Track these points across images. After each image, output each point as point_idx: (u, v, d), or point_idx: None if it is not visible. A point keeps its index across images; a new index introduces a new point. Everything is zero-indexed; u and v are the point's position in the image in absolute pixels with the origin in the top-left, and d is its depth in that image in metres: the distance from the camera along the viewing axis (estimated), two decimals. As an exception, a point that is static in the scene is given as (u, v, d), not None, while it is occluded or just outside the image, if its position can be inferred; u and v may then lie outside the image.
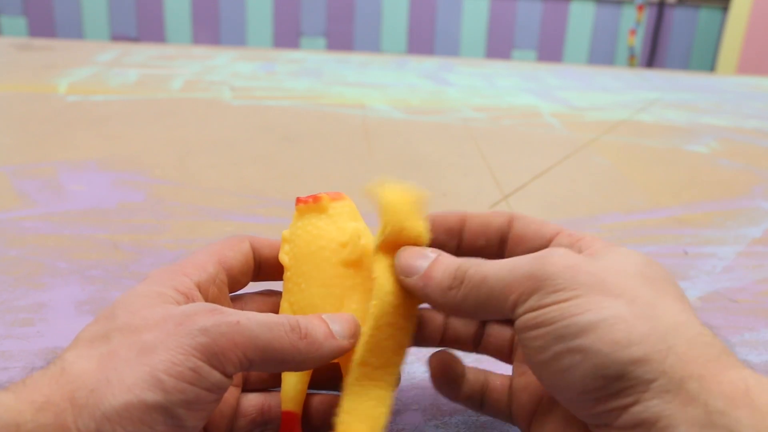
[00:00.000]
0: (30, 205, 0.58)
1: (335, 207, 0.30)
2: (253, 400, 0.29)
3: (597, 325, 0.21)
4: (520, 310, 0.23)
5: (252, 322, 0.23)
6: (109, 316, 0.24)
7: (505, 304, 0.23)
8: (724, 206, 0.67)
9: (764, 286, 0.49)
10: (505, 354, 0.31)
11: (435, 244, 0.28)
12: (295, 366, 0.24)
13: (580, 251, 0.26)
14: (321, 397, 0.30)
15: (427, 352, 0.38)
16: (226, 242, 0.29)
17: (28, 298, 0.42)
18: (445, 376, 0.29)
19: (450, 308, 0.25)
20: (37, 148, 0.75)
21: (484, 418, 0.33)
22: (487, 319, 0.30)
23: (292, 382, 0.28)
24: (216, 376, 0.22)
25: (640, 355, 0.20)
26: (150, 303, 0.24)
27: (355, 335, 0.26)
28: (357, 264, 0.28)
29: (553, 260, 0.23)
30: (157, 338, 0.22)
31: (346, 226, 0.29)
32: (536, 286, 0.22)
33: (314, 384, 0.30)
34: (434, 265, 0.26)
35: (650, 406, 0.20)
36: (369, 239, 0.29)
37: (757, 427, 0.19)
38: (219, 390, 0.22)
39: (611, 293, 0.22)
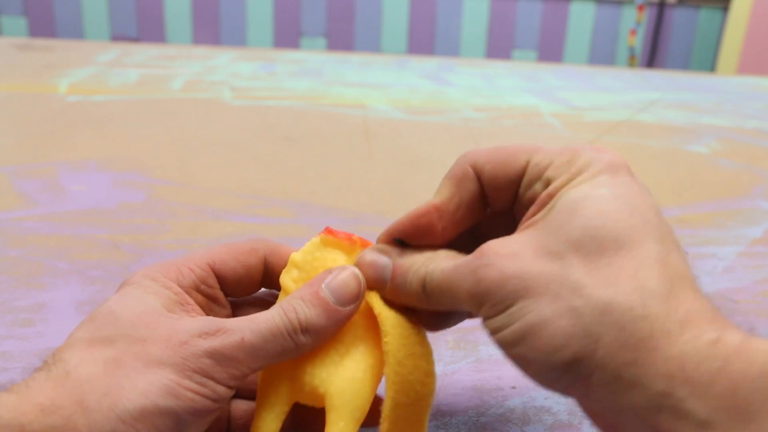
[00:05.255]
0: (30, 206, 0.58)
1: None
2: (243, 406, 0.29)
3: (525, 335, 0.21)
4: (479, 317, 0.23)
5: (256, 335, 0.24)
6: (108, 317, 0.24)
7: (468, 309, 0.24)
8: (724, 206, 0.67)
9: (764, 286, 0.49)
10: None
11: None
12: (300, 354, 0.25)
13: (547, 184, 0.24)
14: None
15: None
16: (230, 249, 0.29)
17: (29, 299, 0.42)
18: None
19: (430, 308, 0.26)
20: (37, 148, 0.75)
21: (484, 418, 0.33)
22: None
23: (266, 421, 0.26)
24: (221, 389, 0.23)
25: (570, 357, 0.20)
26: (151, 310, 0.24)
27: (358, 297, 0.26)
28: (371, 315, 0.27)
29: (484, 274, 0.22)
30: (164, 353, 0.22)
31: None
32: (478, 302, 0.23)
33: None
34: (395, 277, 0.26)
35: (598, 398, 0.20)
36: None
37: (702, 399, 0.18)
38: (223, 400, 0.23)
39: (537, 292, 0.21)
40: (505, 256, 0.22)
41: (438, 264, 0.25)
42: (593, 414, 0.23)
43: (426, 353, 0.26)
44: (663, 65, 2.81)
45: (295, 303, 0.25)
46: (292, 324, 0.24)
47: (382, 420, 0.25)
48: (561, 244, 0.21)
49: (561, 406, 0.34)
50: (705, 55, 2.80)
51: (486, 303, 0.22)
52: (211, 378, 0.23)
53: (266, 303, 0.30)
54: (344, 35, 2.68)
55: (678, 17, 2.74)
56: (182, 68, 1.36)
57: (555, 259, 0.21)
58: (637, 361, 0.19)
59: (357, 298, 0.26)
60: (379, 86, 1.28)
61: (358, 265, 0.27)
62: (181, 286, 0.26)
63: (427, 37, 2.71)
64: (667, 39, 2.78)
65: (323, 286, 0.26)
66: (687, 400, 0.18)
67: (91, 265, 0.47)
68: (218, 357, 0.23)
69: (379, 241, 0.28)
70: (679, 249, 0.22)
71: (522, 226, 0.24)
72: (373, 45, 2.71)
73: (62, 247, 0.50)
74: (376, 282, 0.27)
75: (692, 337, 0.19)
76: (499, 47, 2.75)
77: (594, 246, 0.21)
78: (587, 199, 0.22)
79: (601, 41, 2.75)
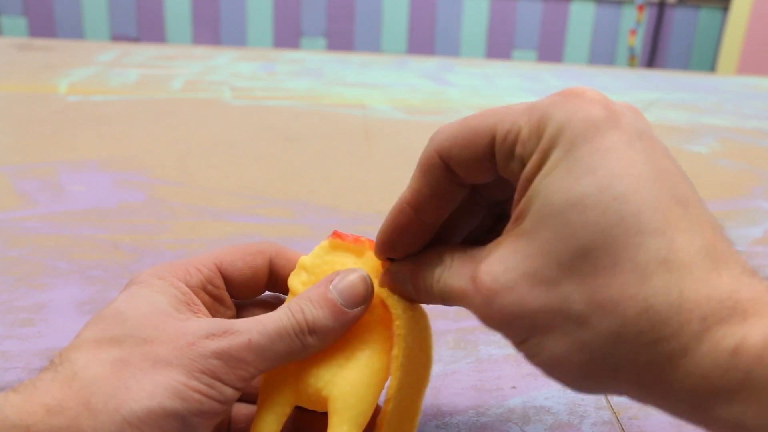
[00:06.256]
0: (30, 205, 0.58)
1: (371, 256, 0.28)
2: (244, 410, 0.29)
3: (548, 367, 0.21)
4: None
5: (263, 336, 0.24)
6: (115, 317, 0.24)
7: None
8: (724, 206, 0.67)
9: (764, 286, 0.49)
10: None
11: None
12: (307, 355, 0.25)
13: (522, 163, 0.21)
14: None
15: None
16: (237, 250, 0.29)
17: (29, 299, 0.42)
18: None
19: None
20: (37, 148, 0.75)
21: (484, 418, 0.33)
22: None
23: (267, 422, 0.26)
24: (229, 391, 0.23)
25: (596, 383, 0.20)
26: (158, 310, 0.24)
27: (366, 300, 0.26)
28: (380, 320, 0.27)
29: (487, 314, 0.21)
30: (171, 354, 0.22)
31: (378, 280, 0.27)
32: (494, 332, 0.22)
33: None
34: (418, 293, 0.25)
35: (638, 401, 0.20)
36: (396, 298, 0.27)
37: (731, 407, 0.18)
38: (230, 402, 0.23)
39: (544, 329, 0.20)
40: (501, 291, 0.21)
41: (447, 280, 0.24)
42: None
43: (429, 337, 0.27)
44: (663, 65, 2.81)
45: (303, 304, 0.25)
46: (299, 324, 0.24)
47: (387, 400, 0.26)
48: (553, 270, 0.20)
49: (561, 406, 0.34)
50: (705, 55, 2.81)
51: (503, 335, 0.22)
52: (219, 379, 0.23)
53: (270, 305, 0.30)
54: (344, 35, 2.68)
55: (678, 17, 2.74)
56: (182, 68, 1.36)
57: (551, 288, 0.20)
58: (661, 382, 0.19)
59: (365, 300, 0.26)
60: (379, 86, 1.28)
61: (384, 287, 0.27)
62: (188, 286, 0.26)
63: (427, 37, 2.71)
64: (667, 39, 2.78)
65: (331, 287, 0.25)
66: (715, 408, 0.18)
67: (91, 265, 0.47)
68: (226, 358, 0.23)
69: (376, 251, 0.27)
70: (687, 218, 0.19)
71: (510, 223, 0.22)
72: (373, 45, 2.71)
73: (62, 247, 0.50)
74: (407, 297, 0.26)
75: (711, 349, 0.18)
76: (499, 47, 2.75)
77: (588, 267, 0.19)
78: (569, 207, 0.19)
79: (601, 41, 2.75)
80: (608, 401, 0.34)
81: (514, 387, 0.35)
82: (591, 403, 0.34)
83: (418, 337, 0.26)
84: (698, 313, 0.18)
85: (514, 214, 0.21)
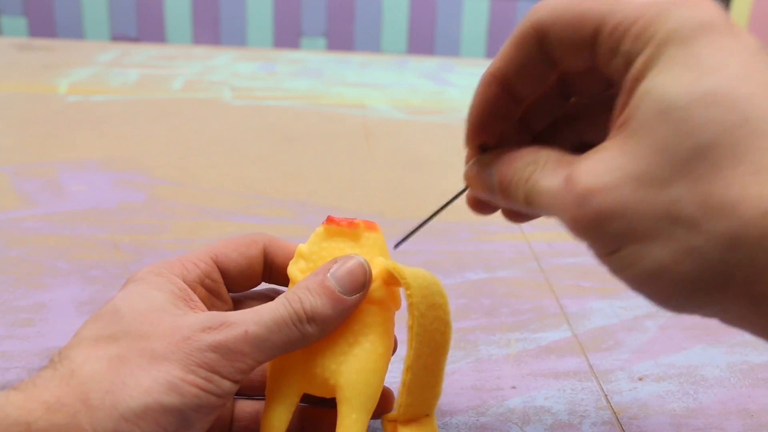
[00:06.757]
0: (30, 205, 0.58)
1: (368, 237, 0.28)
2: (247, 408, 0.29)
3: (644, 281, 0.19)
4: None
5: (260, 327, 0.24)
6: (113, 315, 0.24)
7: None
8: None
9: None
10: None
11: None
12: (307, 344, 0.25)
13: (628, 61, 0.20)
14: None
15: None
16: (231, 242, 0.29)
17: (29, 298, 0.42)
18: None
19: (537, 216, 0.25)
20: (37, 148, 0.75)
21: (484, 418, 0.33)
22: None
23: (277, 412, 0.26)
24: (227, 384, 0.23)
25: (700, 298, 0.19)
26: (155, 307, 0.24)
27: (365, 286, 0.26)
28: (379, 302, 0.27)
29: (580, 215, 0.20)
30: (168, 349, 0.22)
31: (376, 261, 0.27)
32: (582, 240, 0.21)
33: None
34: (501, 189, 0.24)
35: (735, 322, 0.20)
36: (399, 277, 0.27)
37: None
38: (228, 395, 0.23)
39: (647, 234, 0.19)
40: (601, 191, 0.19)
41: (538, 180, 0.22)
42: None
43: (444, 304, 0.26)
44: (663, 65, 2.81)
45: (300, 293, 0.25)
46: (297, 314, 0.24)
47: (404, 371, 0.26)
48: (665, 169, 0.18)
49: (561, 406, 0.34)
50: (705, 55, 2.81)
51: (590, 244, 0.20)
52: (217, 372, 0.23)
53: (268, 298, 0.30)
54: (344, 35, 2.68)
55: (678, 17, 2.75)
56: (182, 68, 1.36)
57: (659, 189, 0.18)
58: None
59: (363, 287, 0.26)
60: (379, 86, 1.28)
61: (466, 180, 0.26)
62: (185, 281, 0.26)
63: (426, 37, 2.71)
64: (667, 39, 2.78)
65: (329, 275, 0.26)
66: None
67: (91, 265, 0.47)
68: (223, 351, 0.23)
69: (466, 141, 0.26)
70: None
71: (614, 124, 0.20)
72: (373, 45, 2.71)
73: (62, 247, 0.50)
74: (486, 194, 0.25)
75: None
76: (498, 47, 2.74)
77: (705, 166, 0.17)
78: (691, 103, 0.18)
79: (601, 41, 2.75)
80: (608, 401, 0.34)
81: (514, 387, 0.35)
82: (591, 403, 0.34)
83: (431, 304, 0.26)
84: None
85: (618, 120, 0.20)
